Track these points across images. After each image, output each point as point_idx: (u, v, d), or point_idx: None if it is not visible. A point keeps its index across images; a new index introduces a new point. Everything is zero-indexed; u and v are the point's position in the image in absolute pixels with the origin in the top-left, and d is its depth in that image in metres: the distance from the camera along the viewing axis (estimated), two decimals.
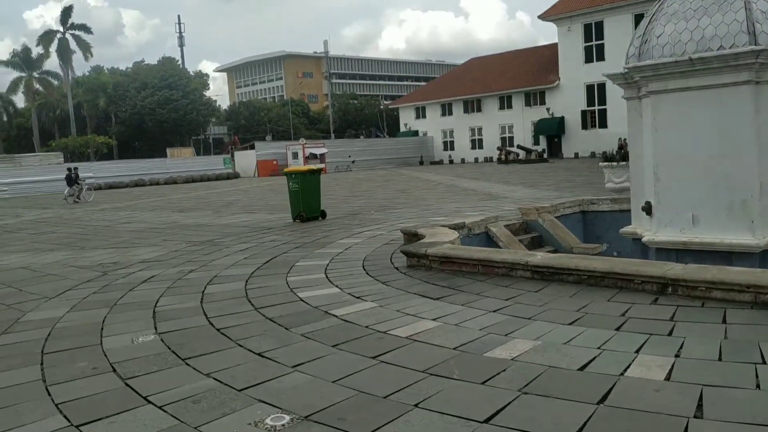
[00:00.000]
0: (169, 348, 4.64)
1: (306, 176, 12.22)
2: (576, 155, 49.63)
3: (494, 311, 4.96)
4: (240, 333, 4.89)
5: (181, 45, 68.48)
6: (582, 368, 3.68)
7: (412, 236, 8.04)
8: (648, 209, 7.36)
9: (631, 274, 5.06)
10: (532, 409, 3.19)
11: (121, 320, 5.58)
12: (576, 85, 50.03)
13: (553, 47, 53.70)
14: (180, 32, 68.54)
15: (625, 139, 37.86)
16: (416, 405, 3.31)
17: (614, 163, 11.35)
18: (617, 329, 4.35)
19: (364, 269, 7.03)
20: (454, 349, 4.16)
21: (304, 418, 3.24)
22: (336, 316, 5.14)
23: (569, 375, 3.60)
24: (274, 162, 49.09)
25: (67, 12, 58.48)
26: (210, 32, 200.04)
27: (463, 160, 57.49)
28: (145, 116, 61.06)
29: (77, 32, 57.97)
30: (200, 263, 8.26)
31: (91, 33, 58.10)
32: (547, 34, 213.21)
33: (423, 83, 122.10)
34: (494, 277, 5.95)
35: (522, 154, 46.63)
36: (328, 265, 7.46)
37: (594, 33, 49.05)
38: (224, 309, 5.70)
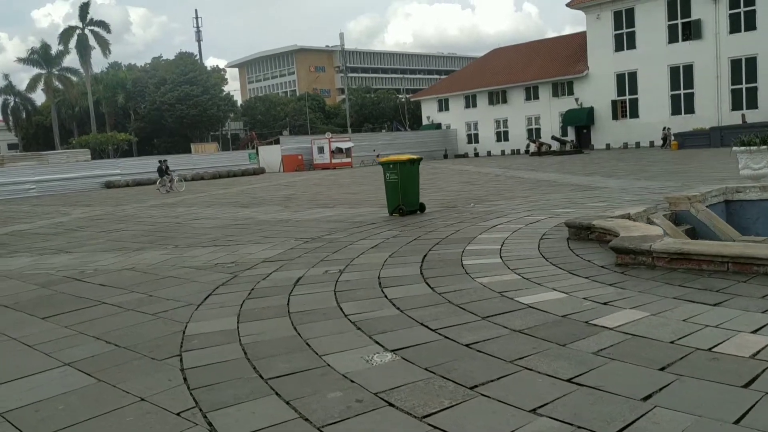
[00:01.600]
0: (431, 371, 3.69)
1: (405, 166, 11.24)
2: (608, 146, 48.51)
3: None
4: (502, 350, 3.94)
5: (199, 40, 67.40)
6: None
7: (583, 229, 7.08)
8: None
9: None
10: None
11: (323, 333, 4.63)
12: (606, 74, 48.85)
13: (580, 36, 52.54)
14: (197, 27, 67.55)
15: (669, 128, 36.58)
16: None
17: (753, 147, 10.34)
18: None
19: (559, 267, 6.06)
20: None
21: None
22: (609, 329, 4.18)
23: None
24: (299, 157, 48.16)
25: (85, 8, 57.62)
26: (216, 29, 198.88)
27: (489, 153, 56.43)
28: (164, 112, 60.17)
29: (96, 28, 57.09)
30: (339, 262, 7.30)
31: (109, 31, 57.20)
32: (555, 26, 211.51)
33: (436, 76, 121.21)
34: (756, 276, 4.99)
35: (555, 146, 45.50)
36: (503, 262, 6.50)
37: (624, 21, 47.76)
38: (440, 318, 4.74)
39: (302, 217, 12.64)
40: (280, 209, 15.04)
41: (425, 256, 7.21)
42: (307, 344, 4.41)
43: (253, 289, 6.32)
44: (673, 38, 45.06)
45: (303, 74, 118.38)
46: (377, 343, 4.31)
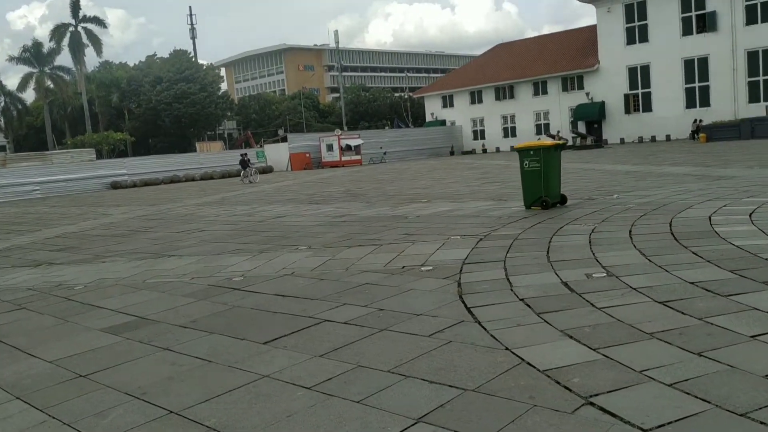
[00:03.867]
0: None
1: (549, 152, 9.84)
2: (622, 140, 47.62)
3: None
4: None
5: (194, 38, 65.21)
6: None
7: None
8: None
9: None
10: None
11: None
12: (617, 68, 47.94)
13: (589, 30, 51.69)
14: (192, 24, 65.33)
15: (701, 120, 35.74)
16: None
17: None
18: None
19: None
20: None
21: None
22: None
23: None
24: (307, 155, 46.52)
25: (76, 4, 55.30)
26: (198, 29, 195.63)
27: (497, 149, 55.32)
28: (160, 111, 58.06)
29: (89, 25, 54.86)
30: (577, 264, 5.87)
31: (105, 26, 54.94)
32: (535, 25, 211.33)
33: (425, 74, 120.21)
34: None
35: (576, 140, 44.41)
36: None
37: (636, 13, 46.83)
38: None
39: (419, 213, 11.14)
40: (364, 206, 13.53)
41: (695, 253, 5.80)
42: None
43: (524, 299, 4.87)
44: (687, 31, 44.23)
45: (292, 73, 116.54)
46: None
